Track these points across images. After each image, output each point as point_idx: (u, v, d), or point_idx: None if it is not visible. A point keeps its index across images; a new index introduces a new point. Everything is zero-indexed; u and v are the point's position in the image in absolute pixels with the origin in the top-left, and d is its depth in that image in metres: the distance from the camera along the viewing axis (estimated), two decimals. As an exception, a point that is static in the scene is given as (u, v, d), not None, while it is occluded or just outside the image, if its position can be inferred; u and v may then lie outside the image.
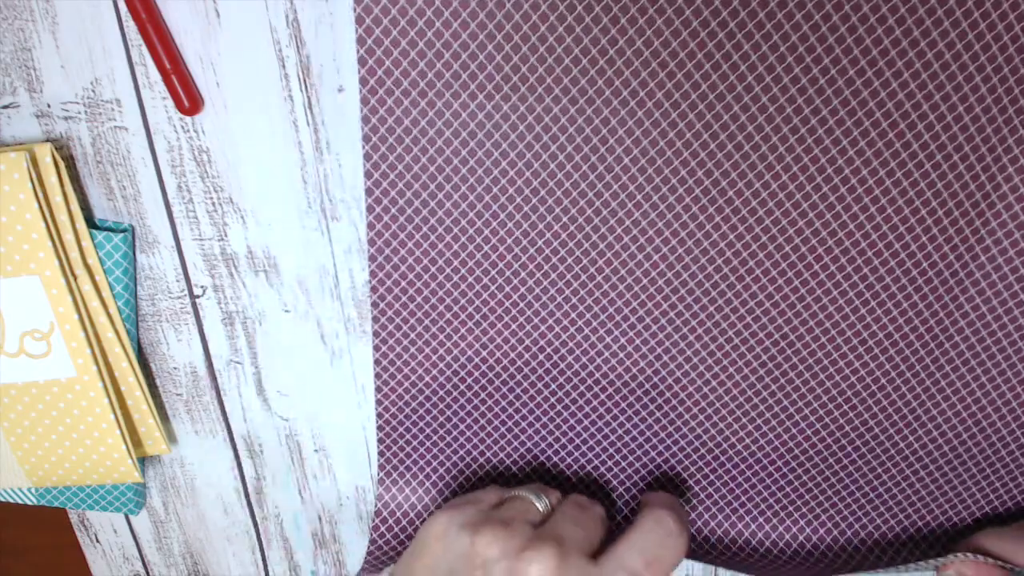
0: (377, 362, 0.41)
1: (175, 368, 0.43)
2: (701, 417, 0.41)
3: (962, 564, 0.39)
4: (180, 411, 0.44)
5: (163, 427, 0.43)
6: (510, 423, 0.42)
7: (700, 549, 0.43)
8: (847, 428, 0.40)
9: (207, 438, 0.45)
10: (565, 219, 0.37)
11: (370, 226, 0.37)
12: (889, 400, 0.40)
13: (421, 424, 0.42)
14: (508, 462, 0.43)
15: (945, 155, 0.34)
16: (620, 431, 0.42)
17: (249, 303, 0.41)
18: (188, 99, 0.35)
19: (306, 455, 0.45)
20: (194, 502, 0.47)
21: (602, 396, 0.41)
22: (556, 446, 0.43)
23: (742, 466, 0.42)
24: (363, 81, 0.34)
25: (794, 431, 0.41)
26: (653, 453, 0.42)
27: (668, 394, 0.40)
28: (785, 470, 0.42)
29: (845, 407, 0.40)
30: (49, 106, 0.37)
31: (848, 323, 0.38)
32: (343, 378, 0.43)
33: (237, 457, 0.46)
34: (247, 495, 0.47)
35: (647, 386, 0.40)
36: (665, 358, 0.40)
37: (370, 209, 0.37)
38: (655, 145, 0.35)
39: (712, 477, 0.42)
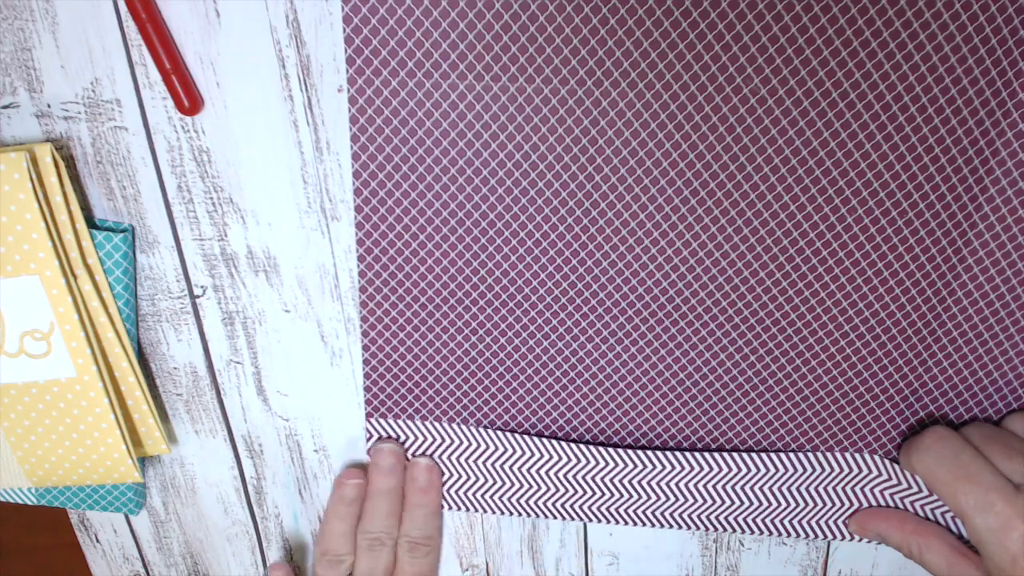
0: (366, 362, 0.41)
1: (175, 368, 0.43)
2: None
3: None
4: (180, 411, 0.44)
5: (163, 427, 0.43)
6: (499, 423, 0.42)
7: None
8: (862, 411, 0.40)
9: (207, 438, 0.45)
10: (555, 219, 0.37)
11: (359, 226, 0.37)
12: (896, 388, 0.40)
13: (408, 414, 0.42)
14: (496, 454, 0.43)
15: (938, 139, 0.34)
16: (604, 424, 0.42)
17: (249, 303, 0.41)
18: (188, 99, 0.35)
19: (306, 455, 0.45)
20: (194, 502, 0.47)
21: (575, 387, 0.41)
22: (538, 438, 0.43)
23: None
24: (351, 81, 0.34)
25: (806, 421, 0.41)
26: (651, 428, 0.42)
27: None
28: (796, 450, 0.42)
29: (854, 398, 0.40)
30: (49, 106, 0.37)
31: (862, 318, 0.38)
32: (343, 378, 0.43)
33: (237, 457, 0.46)
34: (247, 495, 0.47)
35: (649, 364, 0.40)
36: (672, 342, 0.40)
37: (359, 209, 0.37)
38: (646, 144, 0.35)
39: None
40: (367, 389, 0.42)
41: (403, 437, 0.43)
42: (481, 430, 0.42)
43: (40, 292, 0.37)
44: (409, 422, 0.42)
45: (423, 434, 0.42)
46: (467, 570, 0.48)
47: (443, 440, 0.43)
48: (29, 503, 0.45)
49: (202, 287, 0.41)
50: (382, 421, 0.42)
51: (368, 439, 0.43)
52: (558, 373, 0.40)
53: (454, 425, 0.42)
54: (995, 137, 0.34)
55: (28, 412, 0.40)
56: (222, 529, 0.48)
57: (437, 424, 0.42)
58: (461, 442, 0.42)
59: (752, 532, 0.43)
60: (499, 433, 0.42)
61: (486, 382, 0.41)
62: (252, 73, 0.35)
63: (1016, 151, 0.34)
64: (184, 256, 0.40)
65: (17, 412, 0.40)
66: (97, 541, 0.50)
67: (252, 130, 0.37)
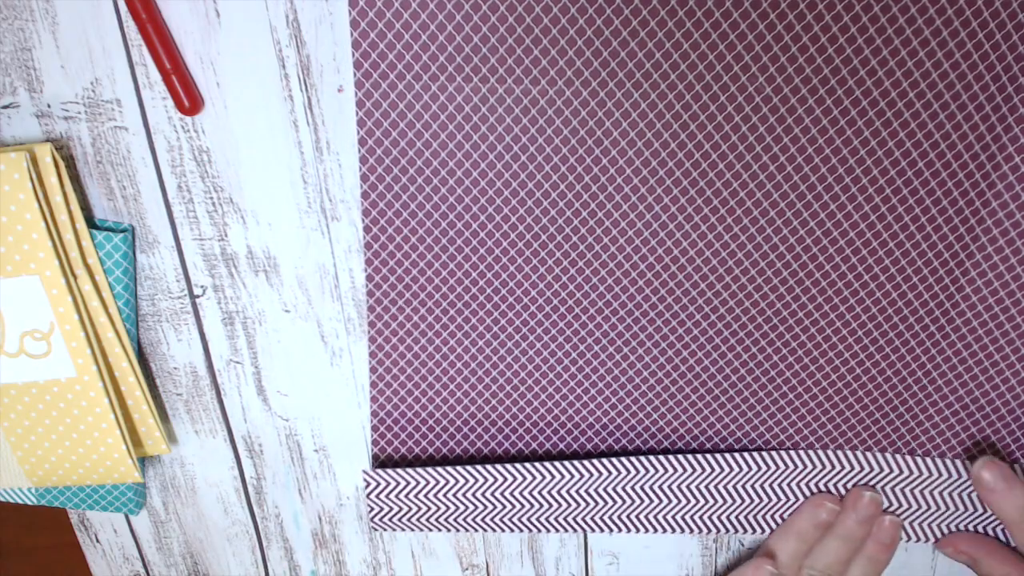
0: (373, 369, 0.41)
1: (175, 368, 0.43)
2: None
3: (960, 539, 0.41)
4: (180, 411, 0.44)
5: (163, 427, 0.43)
6: (500, 422, 0.42)
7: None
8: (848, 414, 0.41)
9: (207, 438, 0.45)
10: (561, 221, 0.37)
11: (367, 229, 0.37)
12: (881, 392, 0.40)
13: (416, 421, 0.42)
14: (500, 451, 0.43)
15: (944, 134, 0.34)
16: (608, 422, 0.42)
17: (249, 303, 0.41)
18: (188, 99, 0.35)
19: (306, 455, 0.45)
20: (194, 502, 0.47)
21: (591, 389, 0.41)
22: (549, 445, 0.43)
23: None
24: (359, 84, 0.34)
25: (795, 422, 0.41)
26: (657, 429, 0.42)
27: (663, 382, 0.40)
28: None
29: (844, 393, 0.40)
30: (49, 106, 0.37)
31: (853, 314, 0.38)
32: (343, 378, 0.43)
33: (237, 457, 0.46)
34: (247, 495, 0.47)
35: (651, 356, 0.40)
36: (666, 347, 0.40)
37: (366, 212, 0.37)
38: (651, 145, 0.35)
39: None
40: (374, 399, 0.42)
41: (402, 484, 0.43)
42: (477, 467, 0.42)
43: (40, 292, 0.37)
44: (407, 471, 0.42)
45: (422, 479, 0.42)
46: (467, 570, 0.48)
47: (441, 481, 0.42)
48: (29, 503, 0.45)
49: (202, 287, 0.41)
50: (380, 472, 0.42)
51: (367, 487, 0.43)
52: (558, 369, 0.40)
53: (450, 469, 0.42)
54: (1001, 133, 0.34)
55: (28, 412, 0.40)
56: (222, 529, 0.48)
57: (432, 470, 0.42)
58: (459, 481, 0.42)
59: (752, 531, 0.43)
60: (495, 466, 0.42)
61: (486, 380, 0.41)
62: (252, 73, 0.35)
63: (1020, 146, 0.34)
64: (184, 256, 0.40)
65: (17, 412, 0.40)
66: (97, 541, 0.50)
67: (252, 130, 0.37)
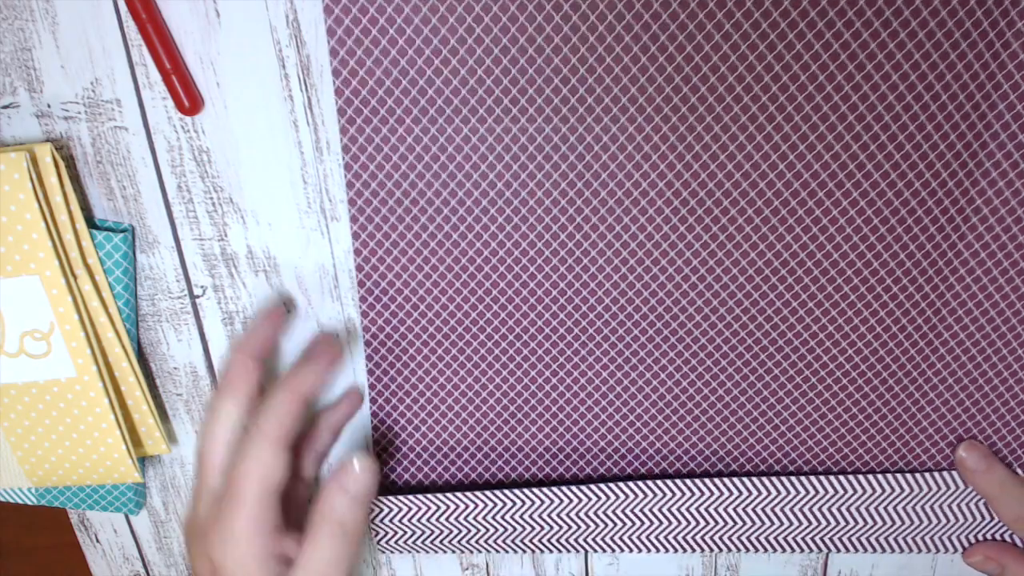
0: (371, 371, 0.41)
1: (175, 368, 0.43)
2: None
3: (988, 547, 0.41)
4: (180, 411, 0.44)
5: (163, 427, 0.43)
6: (499, 421, 0.42)
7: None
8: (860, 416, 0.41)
9: (207, 438, 0.45)
10: (548, 220, 0.37)
11: (355, 235, 0.37)
12: (883, 400, 0.40)
13: (416, 419, 0.42)
14: (499, 446, 0.43)
15: (927, 135, 0.34)
16: (597, 421, 0.42)
17: (249, 303, 0.41)
18: (188, 99, 0.35)
19: (306, 455, 0.45)
20: (194, 502, 0.47)
21: (576, 384, 0.41)
22: (548, 469, 0.43)
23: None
24: (338, 92, 0.34)
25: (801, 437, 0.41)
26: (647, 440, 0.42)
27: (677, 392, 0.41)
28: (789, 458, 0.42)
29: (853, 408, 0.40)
30: (49, 106, 0.37)
31: (851, 326, 0.38)
32: (343, 379, 0.43)
33: (237, 457, 0.46)
34: (247, 495, 0.47)
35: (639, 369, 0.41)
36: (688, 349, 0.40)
37: (354, 219, 0.37)
38: (642, 148, 0.35)
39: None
40: (374, 415, 0.42)
41: (412, 510, 0.43)
42: (484, 493, 0.42)
43: (40, 292, 0.37)
44: (416, 497, 0.42)
45: (431, 504, 0.42)
46: (467, 570, 0.48)
47: (451, 507, 0.42)
48: (29, 503, 0.45)
49: (202, 287, 0.41)
50: (391, 499, 0.42)
51: (375, 514, 0.43)
52: (555, 366, 0.40)
53: (458, 494, 0.42)
54: (988, 140, 0.34)
55: (28, 412, 0.40)
56: (222, 529, 0.48)
57: (441, 496, 0.42)
58: (466, 506, 0.42)
59: (751, 551, 0.43)
60: (501, 492, 0.42)
61: (482, 380, 0.41)
62: (252, 73, 0.35)
63: (1009, 150, 0.34)
64: (184, 256, 0.40)
65: (17, 412, 0.40)
66: (97, 541, 0.50)
67: (252, 130, 0.37)
